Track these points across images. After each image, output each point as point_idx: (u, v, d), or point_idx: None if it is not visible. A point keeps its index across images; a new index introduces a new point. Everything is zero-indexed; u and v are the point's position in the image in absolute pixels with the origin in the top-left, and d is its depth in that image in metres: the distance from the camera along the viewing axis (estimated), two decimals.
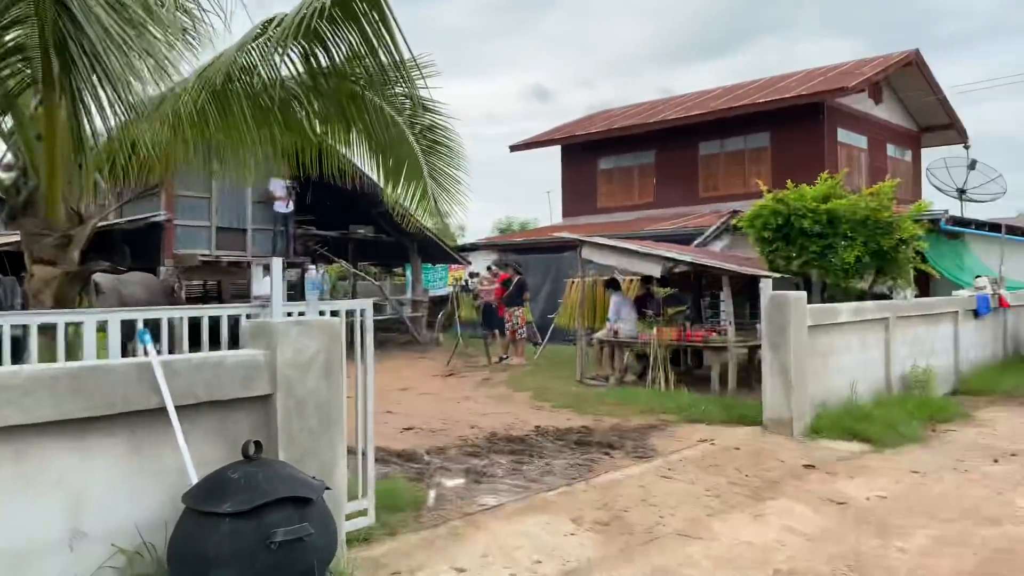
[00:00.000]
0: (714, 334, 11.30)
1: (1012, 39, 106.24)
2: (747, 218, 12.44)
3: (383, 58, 5.22)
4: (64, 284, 5.41)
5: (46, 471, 3.24)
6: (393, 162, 6.31)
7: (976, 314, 12.46)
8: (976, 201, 16.78)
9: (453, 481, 6.30)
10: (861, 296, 11.78)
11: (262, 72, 5.48)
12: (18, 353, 4.08)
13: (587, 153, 23.81)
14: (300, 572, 3.31)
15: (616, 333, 12.17)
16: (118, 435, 3.44)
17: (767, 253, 12.11)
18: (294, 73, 5.65)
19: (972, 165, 16.63)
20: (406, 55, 5.16)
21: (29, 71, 5.52)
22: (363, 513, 4.81)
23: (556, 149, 25.08)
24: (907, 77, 21.44)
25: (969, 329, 12.27)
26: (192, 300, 18.41)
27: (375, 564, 4.37)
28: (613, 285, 13.15)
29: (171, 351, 4.36)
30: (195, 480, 3.45)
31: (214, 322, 4.64)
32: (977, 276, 13.39)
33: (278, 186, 16.35)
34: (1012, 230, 16.67)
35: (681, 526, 5.35)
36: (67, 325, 4.18)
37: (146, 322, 4.16)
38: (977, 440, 8.29)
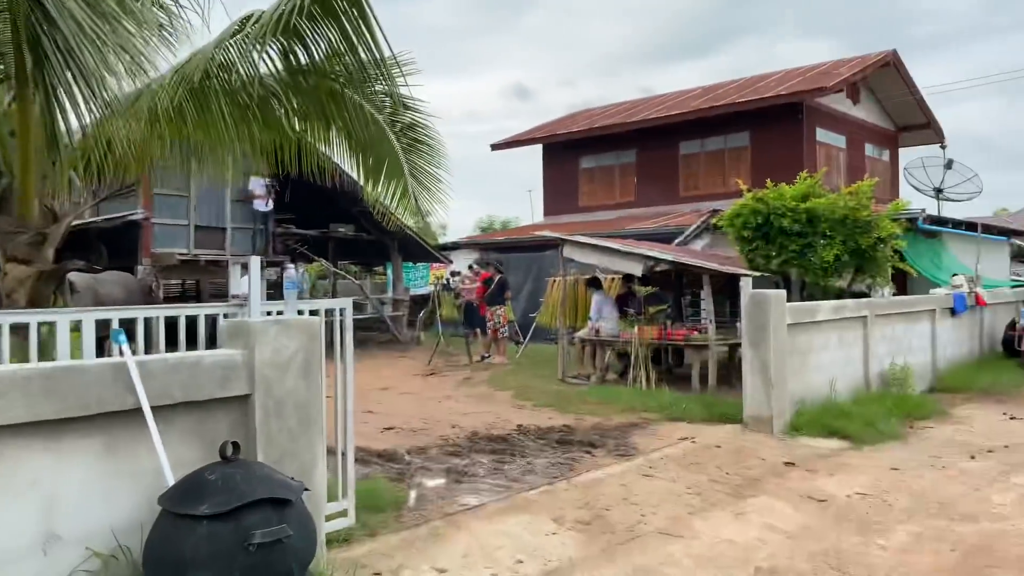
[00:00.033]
0: (695, 332, 11.34)
1: (987, 40, 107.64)
2: (727, 217, 12.49)
3: (363, 55, 5.19)
4: (38, 283, 5.32)
5: (19, 473, 3.17)
6: (373, 160, 6.26)
7: (953, 312, 12.59)
8: (953, 200, 16.95)
9: (434, 481, 6.27)
10: (840, 294, 11.86)
11: (240, 69, 5.42)
12: None
13: (568, 152, 23.83)
14: (279, 574, 3.27)
15: (598, 332, 12.18)
16: (93, 436, 3.38)
17: (747, 252, 12.16)
18: (273, 70, 5.60)
19: (949, 165, 16.80)
20: (386, 52, 5.14)
21: (2, 67, 5.43)
22: (343, 514, 4.77)
23: (537, 148, 25.09)
24: (885, 77, 21.64)
25: (946, 327, 12.40)
26: (170, 299, 18.21)
27: (355, 565, 4.34)
28: (595, 284, 13.15)
29: (148, 351, 4.30)
30: (172, 482, 3.40)
31: (192, 322, 4.59)
32: (954, 274, 13.53)
33: (258, 184, 16.23)
34: (988, 229, 16.87)
35: (663, 525, 5.36)
36: (40, 325, 4.11)
37: (122, 322, 4.11)
38: (954, 437, 8.37)
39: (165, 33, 5.80)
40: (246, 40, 5.12)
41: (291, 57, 5.40)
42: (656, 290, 12.45)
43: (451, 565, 4.52)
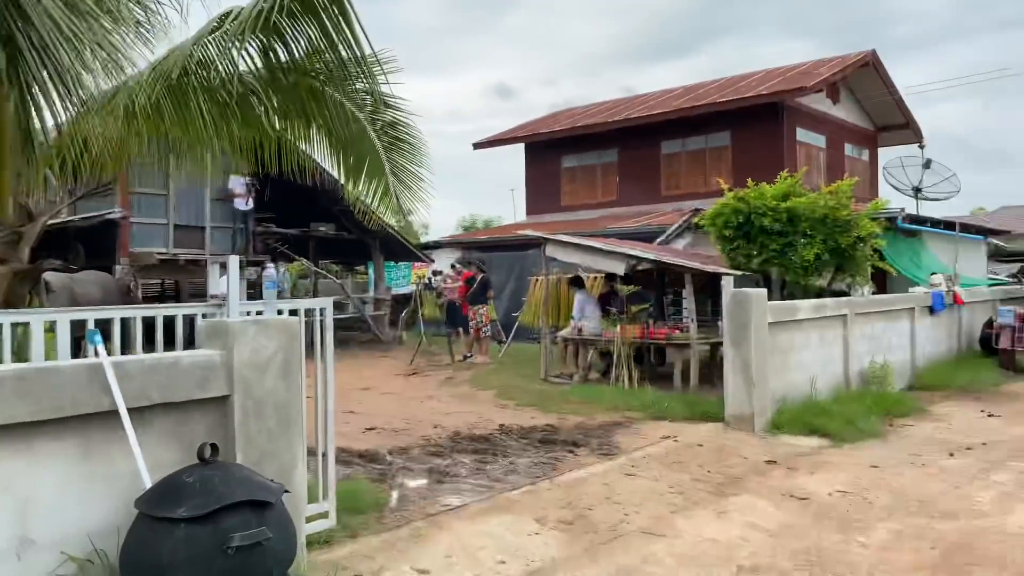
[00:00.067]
0: (677, 331, 11.36)
1: (965, 41, 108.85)
2: (709, 216, 12.52)
3: (343, 53, 5.15)
4: (13, 283, 5.24)
5: None
6: (354, 159, 6.23)
7: (932, 310, 12.71)
8: (931, 200, 17.08)
9: (416, 481, 6.24)
10: (820, 293, 11.92)
11: (219, 66, 5.36)
12: None
13: (551, 151, 23.83)
14: None
15: (580, 331, 12.18)
16: (68, 439, 3.33)
17: (728, 251, 12.20)
18: (252, 68, 5.55)
19: (927, 164, 16.92)
20: (367, 50, 5.09)
21: None
22: (324, 515, 4.73)
23: (520, 147, 25.06)
24: (864, 77, 21.79)
25: (925, 325, 12.51)
26: (149, 299, 18.05)
27: (336, 567, 4.30)
28: (577, 283, 13.16)
29: (125, 352, 4.24)
30: (149, 484, 3.35)
31: (170, 322, 4.53)
32: (932, 273, 13.65)
33: (237, 183, 16.09)
34: (966, 228, 17.04)
35: (645, 524, 5.35)
36: (14, 325, 4.04)
37: (98, 322, 4.05)
38: (934, 435, 8.44)
39: (142, 30, 5.73)
40: (225, 37, 5.07)
41: (271, 54, 5.35)
42: (638, 289, 12.47)
43: (433, 566, 4.49)
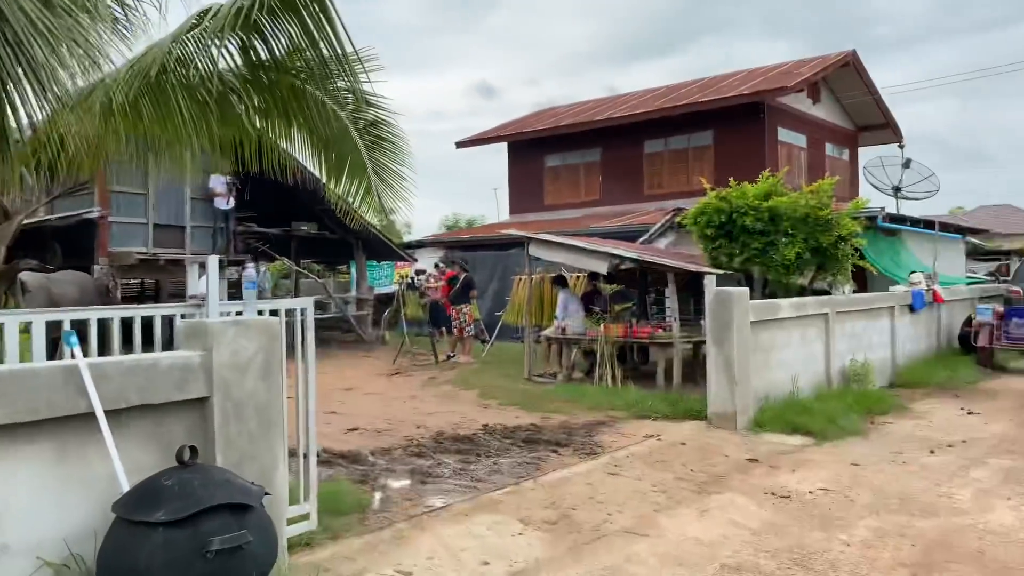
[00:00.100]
0: (660, 330, 11.39)
1: (943, 42, 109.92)
2: (691, 215, 12.56)
3: (325, 51, 5.10)
4: None
5: None
6: (336, 158, 6.17)
7: (912, 309, 12.82)
8: (911, 199, 17.22)
9: (399, 482, 6.21)
10: (801, 292, 11.99)
11: (199, 64, 5.30)
12: None
13: (534, 150, 23.83)
14: None
15: (564, 330, 12.18)
16: (43, 442, 3.27)
17: (711, 250, 12.24)
18: (232, 65, 5.48)
19: (907, 164, 17.05)
20: (348, 48, 5.05)
21: None
22: (305, 517, 4.69)
23: (503, 146, 25.05)
24: (844, 77, 21.95)
25: (905, 323, 12.61)
26: (129, 299, 17.88)
27: (317, 569, 4.26)
28: (560, 282, 13.16)
29: (102, 353, 4.18)
30: (126, 488, 3.31)
31: (149, 323, 4.47)
32: (912, 272, 13.76)
33: (218, 182, 15.96)
34: (945, 227, 17.19)
35: (628, 523, 5.35)
36: None
37: (75, 323, 3.99)
38: (914, 432, 8.50)
39: (120, 27, 5.65)
40: (204, 34, 5.01)
41: (251, 52, 5.29)
42: (621, 288, 12.50)
43: (415, 568, 4.46)
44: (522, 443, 7.66)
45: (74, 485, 3.35)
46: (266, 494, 3.57)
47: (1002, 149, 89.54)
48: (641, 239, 16.08)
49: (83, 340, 3.70)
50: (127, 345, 4.27)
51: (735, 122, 19.79)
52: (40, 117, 5.21)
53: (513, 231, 14.86)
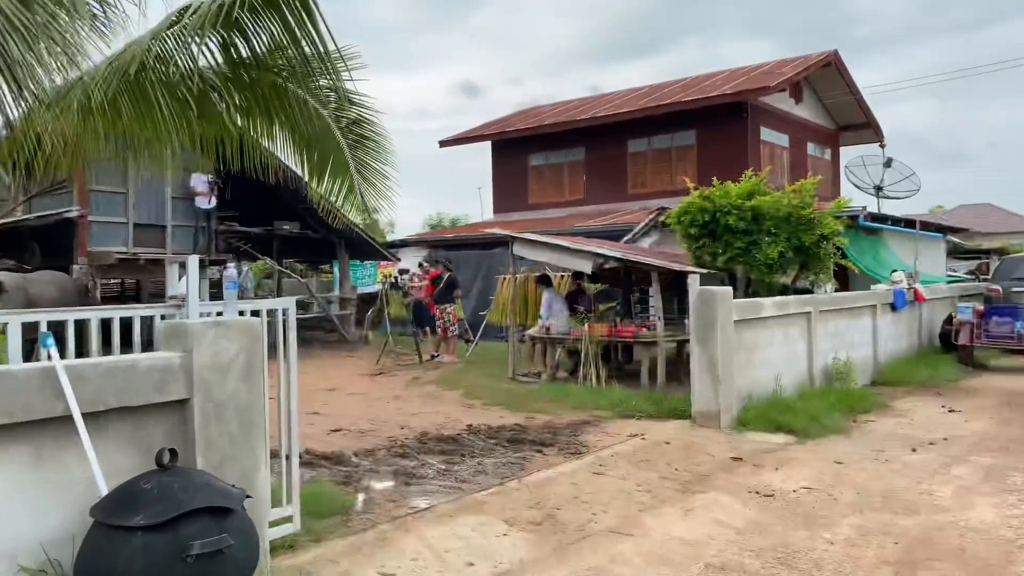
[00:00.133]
0: (644, 329, 11.40)
1: (923, 42, 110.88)
2: (675, 215, 12.58)
3: (306, 49, 5.06)
4: None
5: None
6: (318, 156, 6.12)
7: (893, 307, 12.91)
8: (892, 198, 17.34)
9: (382, 484, 6.17)
10: (784, 291, 12.04)
11: (179, 61, 5.23)
12: None
13: (518, 149, 23.81)
14: None
15: (548, 329, 12.16)
16: (20, 445, 3.21)
17: (694, 249, 12.27)
18: (213, 63, 5.42)
19: (888, 163, 17.17)
20: (330, 46, 5.01)
21: None
22: (288, 520, 4.64)
23: (486, 145, 25.01)
24: (826, 77, 22.07)
25: (887, 322, 12.70)
26: (108, 299, 17.69)
27: (300, 572, 4.23)
28: (545, 281, 13.15)
29: (80, 355, 4.12)
30: (105, 491, 3.25)
31: (128, 324, 4.41)
32: (894, 271, 13.86)
33: (199, 181, 15.83)
34: (926, 226, 17.34)
35: (613, 523, 5.34)
36: None
37: (52, 324, 3.93)
38: (896, 430, 8.55)
39: (99, 23, 5.58)
40: (184, 31, 4.95)
41: (232, 50, 5.23)
42: (606, 287, 12.50)
43: (399, 569, 4.43)
44: (507, 443, 7.64)
45: (51, 489, 3.29)
46: (248, 497, 3.53)
47: (981, 149, 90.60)
48: (625, 238, 16.10)
49: (61, 341, 3.64)
50: (106, 346, 4.20)
51: (718, 121, 19.85)
52: (16, 115, 5.13)
53: (497, 230, 14.84)
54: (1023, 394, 10.76)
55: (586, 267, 11.48)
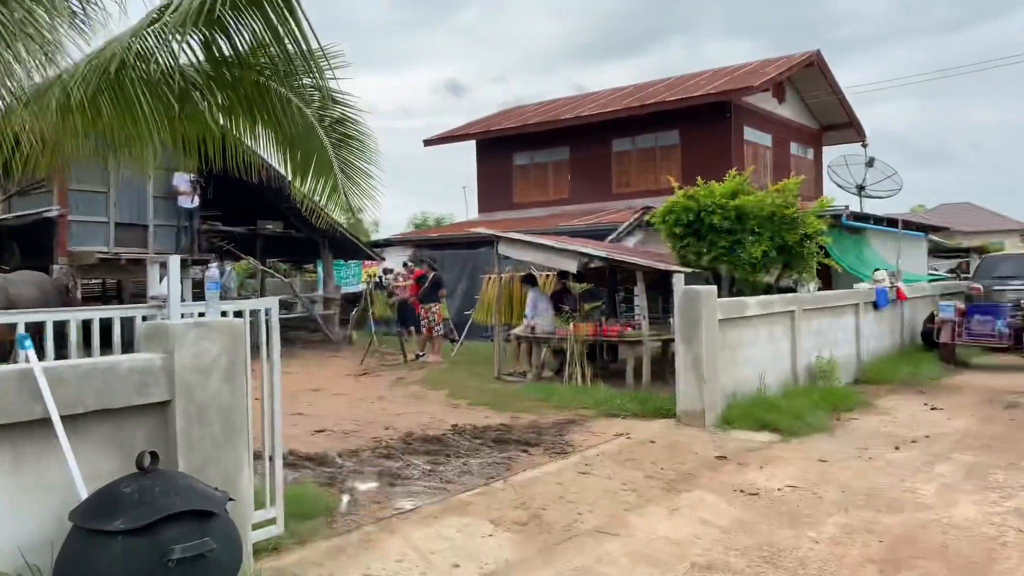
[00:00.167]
0: (629, 329, 11.41)
1: (905, 42, 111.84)
2: (659, 214, 12.60)
3: (290, 48, 5.01)
4: None
5: None
6: (301, 156, 6.07)
7: (876, 306, 13.00)
8: (874, 197, 17.50)
9: (367, 485, 6.13)
10: (768, 290, 12.09)
11: (160, 59, 5.17)
12: None
13: (502, 148, 23.78)
14: None
15: (533, 329, 12.15)
16: None
17: (679, 248, 12.29)
18: (194, 61, 5.37)
19: (870, 163, 17.32)
20: (314, 45, 4.97)
21: None
22: (271, 522, 4.60)
23: (471, 144, 24.96)
24: (809, 77, 22.18)
25: (870, 320, 12.78)
26: (89, 300, 17.52)
27: (284, 575, 4.19)
28: (530, 281, 13.13)
29: (60, 357, 4.06)
30: (84, 495, 3.21)
31: (109, 325, 4.36)
32: (876, 269, 13.95)
33: (182, 180, 15.70)
34: (908, 225, 17.46)
35: (599, 523, 5.33)
36: None
37: (30, 326, 3.87)
38: (879, 428, 8.60)
39: (78, 21, 5.51)
40: (165, 29, 4.89)
41: (213, 48, 5.18)
42: (591, 287, 12.50)
43: (384, 571, 4.40)
44: (492, 443, 7.62)
45: (30, 493, 3.25)
46: (230, 499, 3.49)
47: (963, 148, 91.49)
48: (610, 237, 16.12)
49: (40, 343, 3.59)
50: (86, 348, 4.15)
51: (702, 121, 19.91)
52: None
53: (482, 230, 14.80)
54: (1004, 392, 10.85)
55: (571, 266, 11.48)
